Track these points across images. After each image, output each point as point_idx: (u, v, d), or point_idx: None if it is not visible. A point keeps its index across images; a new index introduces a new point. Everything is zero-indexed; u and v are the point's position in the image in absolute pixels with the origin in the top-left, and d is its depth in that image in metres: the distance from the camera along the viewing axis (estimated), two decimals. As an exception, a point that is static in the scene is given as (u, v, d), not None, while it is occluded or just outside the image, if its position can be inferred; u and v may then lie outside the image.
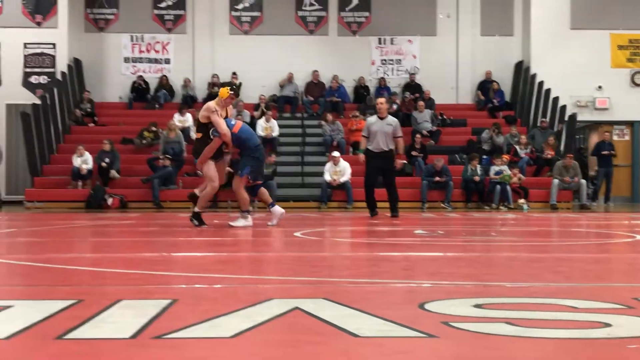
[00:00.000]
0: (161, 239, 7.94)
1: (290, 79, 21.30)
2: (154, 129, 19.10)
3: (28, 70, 20.36)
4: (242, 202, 9.28)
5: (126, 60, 21.76)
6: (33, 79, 20.35)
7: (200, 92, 21.55)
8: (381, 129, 11.77)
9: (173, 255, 6.00)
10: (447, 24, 21.95)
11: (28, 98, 19.78)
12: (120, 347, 2.46)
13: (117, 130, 19.89)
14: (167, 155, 17.66)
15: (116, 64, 21.72)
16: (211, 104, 9.10)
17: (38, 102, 18.91)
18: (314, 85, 21.33)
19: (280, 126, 19.53)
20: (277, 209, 9.50)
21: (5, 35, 20.15)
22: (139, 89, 21.42)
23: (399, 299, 3.62)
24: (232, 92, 9.13)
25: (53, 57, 20.33)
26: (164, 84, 21.58)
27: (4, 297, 3.58)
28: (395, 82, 21.81)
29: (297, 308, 3.14)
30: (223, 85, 9.49)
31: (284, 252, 6.46)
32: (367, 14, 21.92)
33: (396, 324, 2.82)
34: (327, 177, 17.27)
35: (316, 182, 17.82)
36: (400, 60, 22.05)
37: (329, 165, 17.43)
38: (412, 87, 21.43)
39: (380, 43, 22.03)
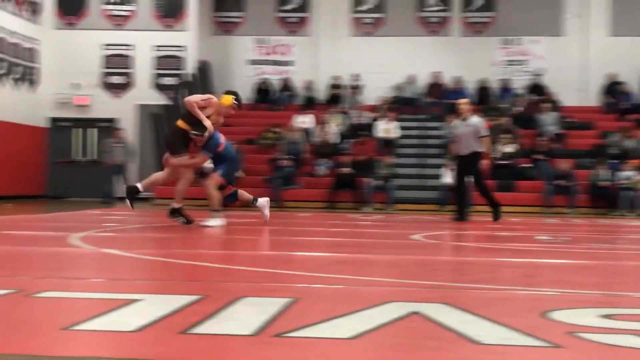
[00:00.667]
0: (282, 238, 8.07)
1: (411, 80, 21.18)
2: (275, 129, 19.45)
3: (158, 72, 21.14)
4: (213, 200, 9.31)
5: (251, 62, 22.25)
6: (163, 81, 21.11)
7: (322, 93, 21.77)
8: (462, 132, 11.65)
9: (294, 255, 6.09)
10: (575, 24, 21.28)
11: (158, 99, 20.54)
12: (242, 344, 2.51)
13: (242, 131, 20.35)
14: (288, 156, 17.94)
15: (241, 66, 22.25)
16: (214, 99, 8.97)
17: (168, 103, 19.61)
18: (435, 87, 21.12)
19: (400, 128, 19.46)
20: (263, 200, 9.83)
21: (138, 39, 20.99)
22: (263, 91, 21.86)
23: (521, 306, 3.53)
24: (235, 102, 9.00)
25: (182, 59, 21.03)
26: (287, 85, 21.93)
27: (133, 291, 3.73)
28: (520, 83, 21.31)
29: (416, 312, 3.12)
30: (228, 92, 9.25)
31: (404, 254, 6.43)
32: (491, 14, 21.54)
33: (519, 332, 2.75)
34: (447, 179, 17.06)
35: (435, 185, 17.64)
36: (525, 61, 21.54)
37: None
38: (537, 88, 20.88)
39: (504, 44, 21.60)
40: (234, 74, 22.16)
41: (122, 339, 2.56)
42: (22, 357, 2.26)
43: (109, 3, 21.12)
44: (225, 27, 22.29)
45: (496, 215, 11.69)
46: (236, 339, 2.57)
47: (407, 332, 2.81)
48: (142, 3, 21.06)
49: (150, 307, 3.19)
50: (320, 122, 19.43)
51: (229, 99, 8.91)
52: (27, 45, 20.16)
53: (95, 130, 21.19)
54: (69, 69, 20.90)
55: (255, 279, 4.36)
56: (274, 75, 22.12)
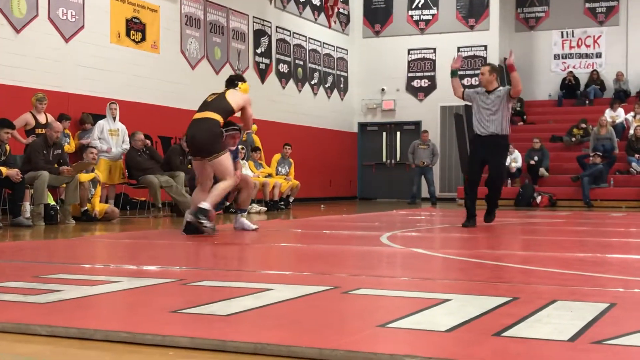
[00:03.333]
0: (592, 239, 7.69)
1: None
2: (583, 125, 18.63)
3: (461, 72, 21.20)
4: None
5: (556, 57, 21.54)
6: (465, 81, 21.17)
7: (634, 85, 20.45)
8: (483, 105, 9.27)
9: (607, 257, 5.77)
10: None
11: (460, 100, 20.59)
12: (559, 350, 2.41)
13: (546, 128, 19.77)
14: (598, 153, 17.06)
15: (546, 62, 21.62)
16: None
17: (470, 103, 19.59)
18: None
19: None
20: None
21: (440, 41, 21.26)
22: (569, 86, 21.05)
23: None
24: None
25: (484, 58, 20.92)
26: (595, 78, 20.91)
27: (443, 291, 3.77)
28: None
29: None
30: (241, 79, 8.09)
31: None
32: None
33: None
34: None
35: None
36: None
37: None
38: None
39: None
40: (537, 69, 21.60)
41: (436, 338, 2.59)
42: (342, 353, 2.37)
43: (413, 8, 21.64)
44: (529, 23, 21.80)
45: (489, 216, 9.28)
46: (552, 344, 2.48)
47: None
48: (444, 6, 21.30)
49: (461, 307, 3.19)
50: (634, 116, 18.24)
51: (248, 87, 8.09)
52: (338, 55, 21.32)
53: (400, 133, 21.83)
54: (374, 75, 21.76)
55: (567, 281, 4.19)
56: (580, 69, 21.22)
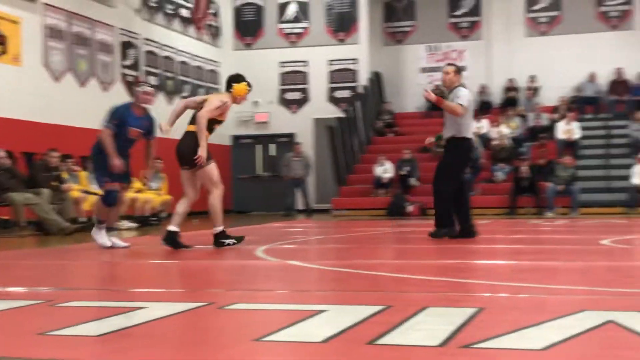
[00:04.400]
0: (460, 246, 7.94)
1: (592, 79, 20.28)
2: (451, 136, 19.25)
3: (332, 85, 21.53)
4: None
5: (423, 70, 22.19)
6: (337, 94, 21.48)
7: (496, 97, 21.34)
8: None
9: (474, 263, 5.97)
10: None
11: (333, 112, 20.91)
12: (430, 355, 2.48)
13: (416, 140, 20.30)
14: (465, 162, 17.68)
15: (413, 75, 22.21)
16: (229, 101, 7.52)
17: (342, 115, 19.92)
18: (619, 84, 20.10)
19: (581, 128, 18.68)
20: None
21: (313, 54, 21.50)
22: (436, 98, 21.72)
23: None
24: (249, 89, 7.60)
25: (355, 71, 21.31)
26: (460, 91, 21.68)
27: (318, 302, 3.79)
28: None
29: (611, 321, 2.96)
30: (236, 79, 7.62)
31: (591, 261, 6.14)
32: (677, 3, 20.23)
33: None
34: (636, 180, 16.17)
35: (623, 186, 16.77)
36: None
37: (637, 168, 16.31)
38: None
39: (693, 33, 20.21)
40: (405, 82, 22.18)
41: (311, 349, 2.60)
42: (218, 367, 2.34)
43: (284, 22, 21.79)
44: (396, 37, 22.37)
45: (436, 232, 8.90)
46: (423, 349, 2.54)
47: (602, 342, 2.67)
48: (315, 19, 21.56)
49: (336, 317, 3.22)
50: (496, 126, 19.04)
51: (244, 88, 7.58)
52: (209, 67, 21.17)
53: (274, 146, 21.87)
54: (247, 87, 21.71)
55: (438, 288, 4.31)
56: (446, 82, 21.94)
